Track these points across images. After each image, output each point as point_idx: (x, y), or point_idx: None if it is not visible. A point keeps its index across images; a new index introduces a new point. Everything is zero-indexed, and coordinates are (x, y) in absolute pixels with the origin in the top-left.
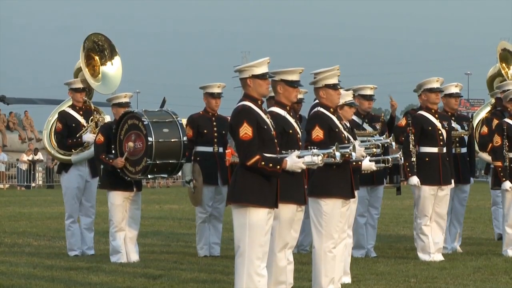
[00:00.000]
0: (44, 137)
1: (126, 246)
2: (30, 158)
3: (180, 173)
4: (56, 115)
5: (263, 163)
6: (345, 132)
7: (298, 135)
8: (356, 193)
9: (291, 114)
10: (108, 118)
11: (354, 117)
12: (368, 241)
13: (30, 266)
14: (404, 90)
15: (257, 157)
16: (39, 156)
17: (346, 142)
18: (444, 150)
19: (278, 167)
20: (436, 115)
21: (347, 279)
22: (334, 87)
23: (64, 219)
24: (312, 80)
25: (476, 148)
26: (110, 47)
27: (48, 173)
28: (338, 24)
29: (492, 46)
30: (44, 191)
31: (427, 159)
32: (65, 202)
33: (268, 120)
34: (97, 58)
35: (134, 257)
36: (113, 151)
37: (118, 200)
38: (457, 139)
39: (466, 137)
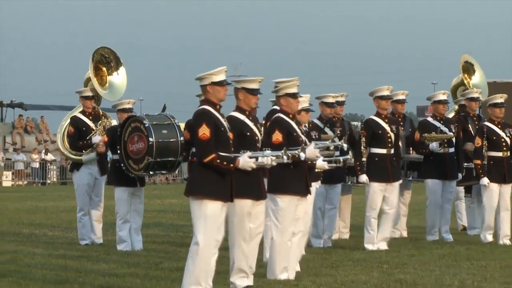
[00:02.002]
0: (58, 139)
1: (131, 236)
2: (37, 157)
3: (178, 171)
4: (69, 120)
5: (218, 160)
6: (302, 136)
7: (256, 137)
8: (314, 189)
9: (250, 118)
10: (115, 122)
11: (318, 122)
12: (325, 232)
13: (45, 254)
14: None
15: (213, 155)
16: (50, 156)
17: (303, 144)
18: (392, 151)
19: (232, 165)
20: (386, 120)
21: (297, 268)
22: (294, 95)
23: (76, 212)
24: (274, 89)
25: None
26: (116, 59)
27: (61, 171)
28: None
29: (455, 58)
30: (58, 187)
31: (376, 159)
32: (77, 197)
33: (225, 123)
34: (104, 69)
35: (138, 245)
36: (118, 151)
37: (123, 195)
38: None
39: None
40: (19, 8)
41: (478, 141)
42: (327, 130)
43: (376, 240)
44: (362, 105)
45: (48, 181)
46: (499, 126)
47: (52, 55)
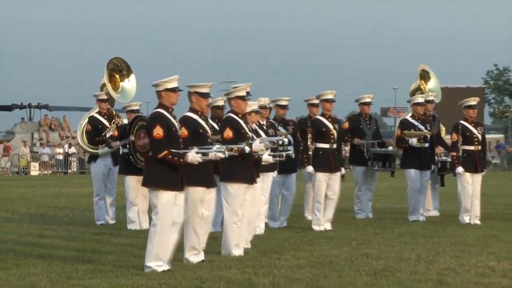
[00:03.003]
0: (77, 136)
1: (139, 217)
2: (60, 150)
3: None
4: (87, 119)
5: (170, 156)
6: (249, 133)
7: (207, 134)
8: (271, 178)
9: (202, 117)
10: (125, 121)
11: (273, 121)
12: (281, 215)
13: (67, 232)
14: (345, 100)
15: (166, 152)
16: (72, 149)
17: (250, 140)
18: (334, 146)
19: (181, 160)
20: (330, 119)
21: (248, 245)
22: (242, 98)
23: (93, 197)
24: (226, 92)
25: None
26: (127, 67)
27: (80, 163)
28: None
29: (414, 67)
30: (78, 176)
31: (320, 152)
32: (94, 184)
33: (176, 124)
34: (117, 76)
35: (145, 225)
36: (128, 146)
37: (132, 182)
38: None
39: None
40: (48, 26)
41: (454, 136)
42: (280, 128)
43: (322, 222)
44: (337, 106)
45: (70, 171)
46: (472, 124)
47: (73, 64)
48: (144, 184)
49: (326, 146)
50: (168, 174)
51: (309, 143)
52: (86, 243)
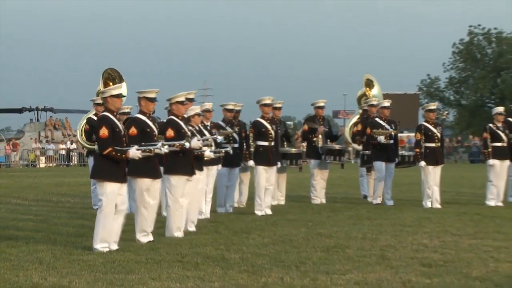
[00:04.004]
0: (78, 134)
1: (129, 201)
2: (64, 146)
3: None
4: (85, 120)
5: (113, 152)
6: (188, 132)
7: (154, 132)
8: (216, 170)
9: (150, 119)
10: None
11: (221, 123)
12: (227, 202)
13: (69, 215)
14: (303, 104)
15: (110, 148)
16: (73, 145)
17: (189, 138)
18: (273, 143)
19: (124, 155)
20: (268, 121)
21: (193, 228)
22: (182, 103)
23: (90, 185)
24: (168, 98)
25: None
26: (119, 76)
27: (80, 157)
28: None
29: (360, 76)
30: (78, 168)
31: (261, 149)
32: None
33: (120, 125)
34: (111, 83)
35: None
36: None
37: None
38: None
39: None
40: (47, 36)
41: (417, 135)
42: (227, 128)
43: (263, 208)
44: (296, 109)
45: (71, 164)
46: (433, 125)
47: (74, 72)
48: (92, 176)
49: (266, 143)
50: (112, 168)
51: (250, 141)
52: (84, 224)
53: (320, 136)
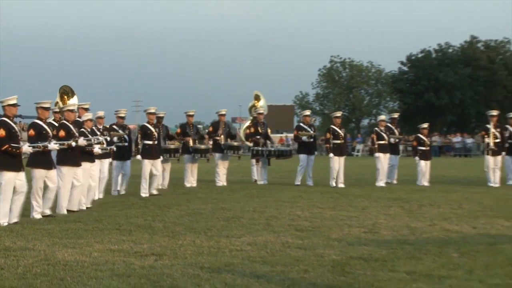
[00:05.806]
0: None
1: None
2: None
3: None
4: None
5: (10, 148)
6: (76, 133)
7: (48, 134)
8: (107, 163)
9: (46, 123)
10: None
11: (115, 126)
12: (122, 186)
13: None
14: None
15: (7, 145)
16: None
17: (76, 138)
18: (156, 142)
19: (18, 150)
20: (152, 125)
21: (83, 207)
22: (72, 111)
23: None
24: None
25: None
26: (72, 91)
27: None
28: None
29: (251, 91)
30: None
31: (147, 146)
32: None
33: (16, 127)
34: (65, 96)
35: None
36: None
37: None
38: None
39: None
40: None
41: (328, 134)
42: (120, 131)
43: (147, 191)
44: (205, 116)
45: None
46: (338, 127)
47: (40, 86)
48: None
49: (150, 142)
50: (10, 160)
51: (138, 140)
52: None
53: (221, 136)
